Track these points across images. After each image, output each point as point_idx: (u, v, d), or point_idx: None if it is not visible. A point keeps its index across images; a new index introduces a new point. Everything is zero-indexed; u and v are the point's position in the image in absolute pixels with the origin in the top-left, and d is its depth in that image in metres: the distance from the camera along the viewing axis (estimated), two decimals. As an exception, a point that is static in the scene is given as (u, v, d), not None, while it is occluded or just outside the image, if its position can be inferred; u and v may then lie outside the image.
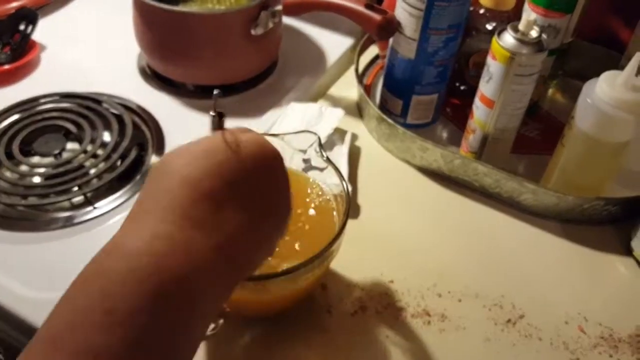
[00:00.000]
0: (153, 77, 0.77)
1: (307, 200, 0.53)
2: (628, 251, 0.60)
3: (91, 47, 0.83)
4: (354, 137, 0.70)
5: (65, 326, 0.27)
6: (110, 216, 0.58)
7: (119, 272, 0.28)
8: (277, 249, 0.47)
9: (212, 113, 0.38)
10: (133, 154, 0.64)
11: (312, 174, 0.54)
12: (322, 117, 0.68)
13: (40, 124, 0.67)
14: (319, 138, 0.51)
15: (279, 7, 0.71)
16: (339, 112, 0.69)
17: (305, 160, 0.53)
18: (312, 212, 0.52)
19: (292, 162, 0.53)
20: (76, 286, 0.29)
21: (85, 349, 0.26)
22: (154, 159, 0.65)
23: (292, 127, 0.66)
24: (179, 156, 0.34)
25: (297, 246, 0.49)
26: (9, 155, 0.63)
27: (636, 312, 0.55)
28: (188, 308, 0.29)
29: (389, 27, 0.65)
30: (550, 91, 0.78)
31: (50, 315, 0.28)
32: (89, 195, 0.60)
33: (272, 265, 0.47)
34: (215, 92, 0.38)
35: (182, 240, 0.30)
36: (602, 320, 0.53)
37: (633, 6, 0.70)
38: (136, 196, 0.59)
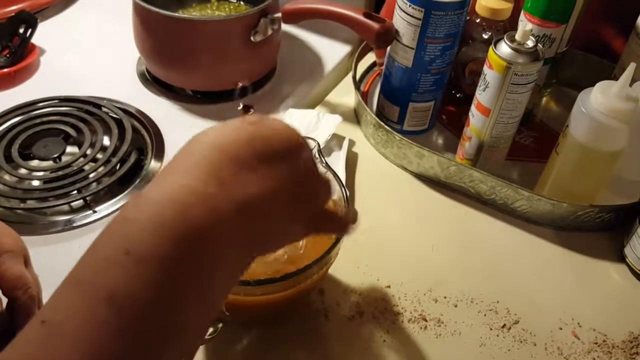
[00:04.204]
0: (152, 82, 0.77)
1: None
2: (621, 258, 0.61)
3: (91, 51, 0.83)
4: (352, 143, 0.71)
5: (89, 271, 0.28)
6: (109, 220, 0.59)
7: (141, 219, 0.29)
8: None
9: (240, 105, 0.39)
10: (132, 158, 0.65)
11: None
12: (320, 123, 0.69)
13: (39, 128, 0.67)
14: (318, 144, 0.52)
15: (278, 15, 0.72)
16: (337, 119, 0.70)
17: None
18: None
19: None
20: (101, 236, 0.30)
21: (107, 291, 0.26)
22: (153, 163, 0.65)
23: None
24: (212, 129, 0.35)
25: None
26: (8, 158, 0.63)
27: (629, 318, 0.55)
28: (206, 261, 0.29)
29: (387, 36, 0.66)
30: (544, 100, 0.79)
31: (78, 262, 0.29)
32: (88, 199, 0.60)
33: (272, 269, 0.48)
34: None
35: (206, 195, 0.30)
36: (595, 326, 0.54)
37: (626, 17, 0.71)
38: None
